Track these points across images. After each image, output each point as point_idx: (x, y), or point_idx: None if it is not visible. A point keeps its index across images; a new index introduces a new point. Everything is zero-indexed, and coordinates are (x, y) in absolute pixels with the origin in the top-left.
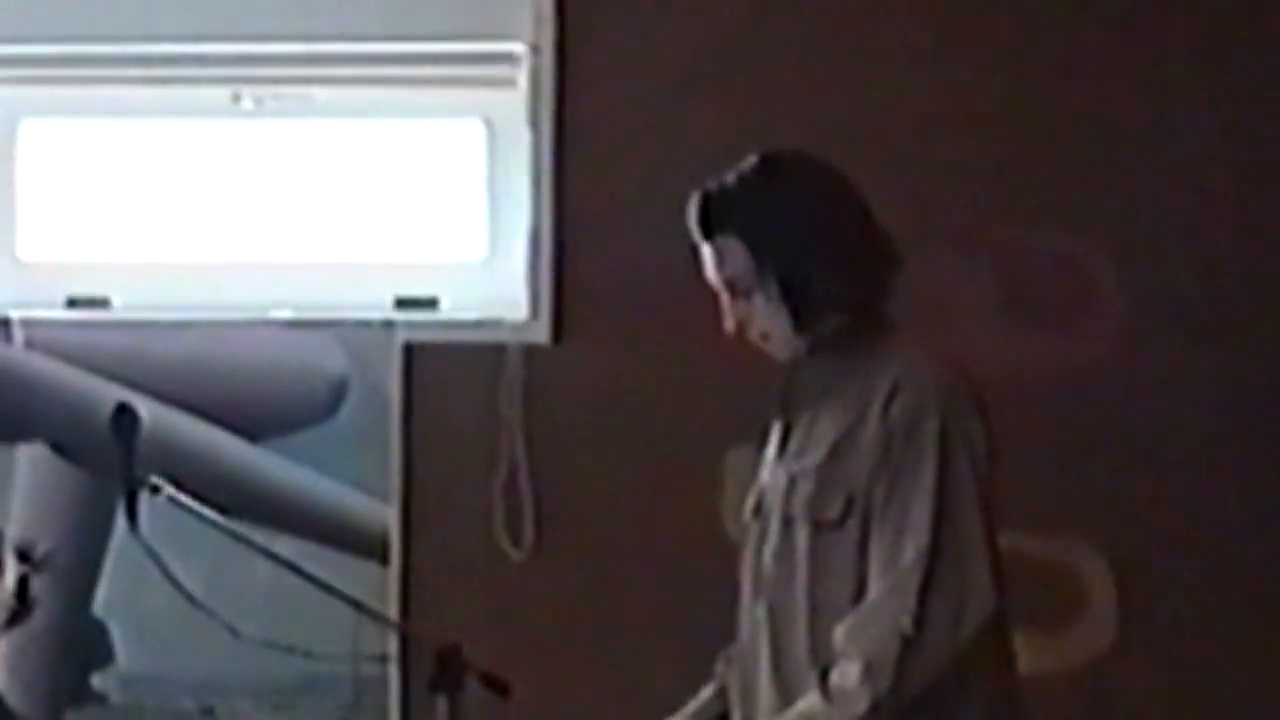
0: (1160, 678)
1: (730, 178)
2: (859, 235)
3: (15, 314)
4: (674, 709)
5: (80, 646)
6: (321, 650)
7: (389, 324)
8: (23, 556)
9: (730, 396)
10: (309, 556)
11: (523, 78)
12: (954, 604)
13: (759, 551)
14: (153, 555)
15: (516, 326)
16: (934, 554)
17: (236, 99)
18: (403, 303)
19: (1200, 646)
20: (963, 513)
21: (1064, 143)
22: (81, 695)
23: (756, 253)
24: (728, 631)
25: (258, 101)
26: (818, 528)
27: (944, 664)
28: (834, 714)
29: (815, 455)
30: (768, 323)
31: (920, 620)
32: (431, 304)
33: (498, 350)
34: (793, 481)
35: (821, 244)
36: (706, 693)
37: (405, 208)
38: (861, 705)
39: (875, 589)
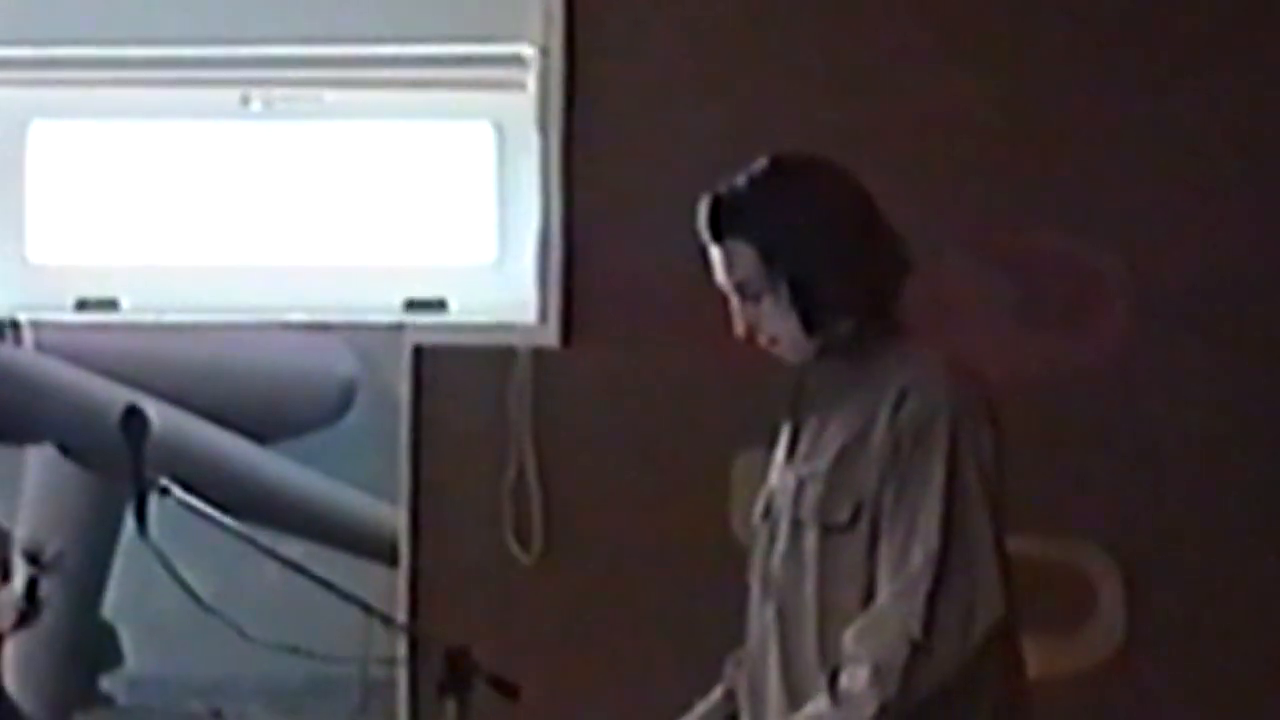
0: (1169, 680)
1: (740, 181)
2: (869, 238)
3: (24, 316)
4: (682, 711)
5: (89, 649)
6: (330, 653)
7: (398, 326)
8: (32, 559)
9: (739, 399)
10: (318, 559)
11: (532, 80)
12: (962, 609)
13: (768, 554)
14: (162, 558)
15: (525, 329)
16: (943, 558)
17: (245, 101)
18: (412, 305)
19: (1209, 648)
20: (971, 517)
21: (1070, 145)
22: (90, 697)
23: (766, 256)
24: (736, 634)
25: (267, 104)
26: (827, 531)
27: (952, 669)
28: (842, 717)
29: (824, 459)
30: (777, 326)
31: (929, 625)
32: (441, 306)
33: (507, 353)
34: (802, 485)
35: (831, 247)
36: (715, 695)
37: (414, 210)
38: (870, 709)
39: (884, 593)
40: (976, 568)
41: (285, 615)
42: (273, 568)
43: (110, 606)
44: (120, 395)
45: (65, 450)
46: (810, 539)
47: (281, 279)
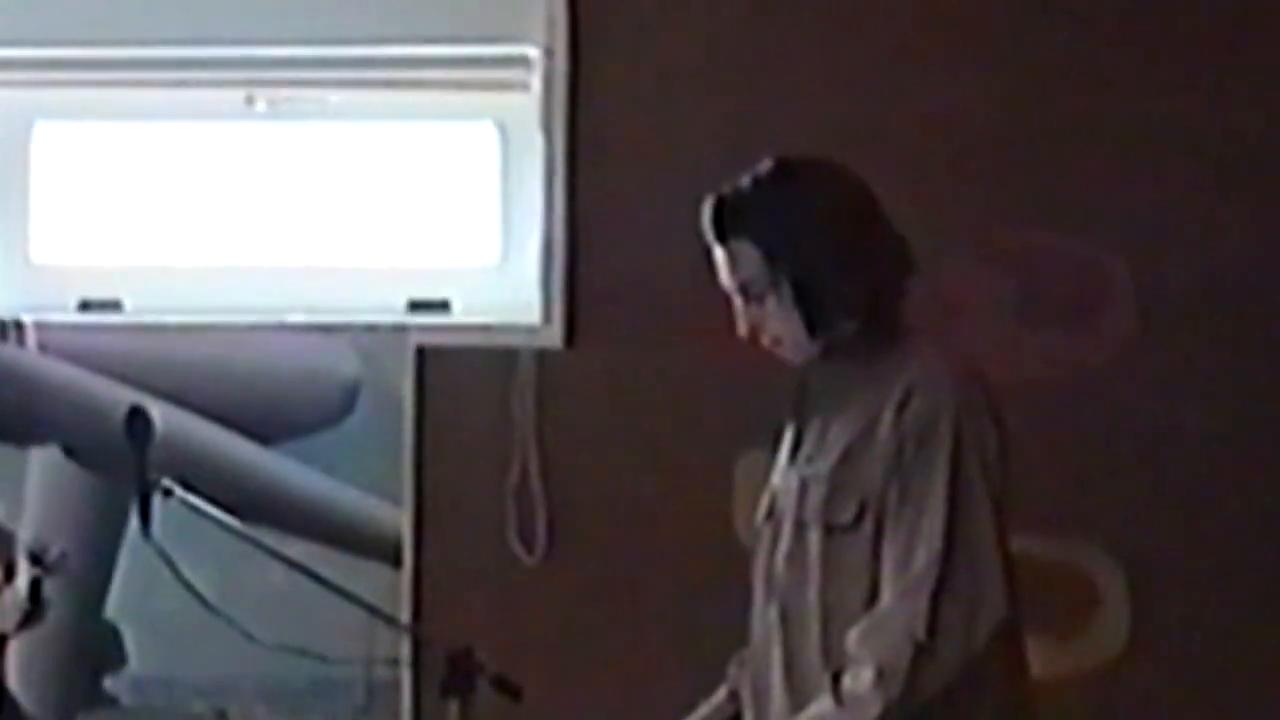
0: (1172, 681)
1: (745, 182)
2: (873, 239)
3: (28, 317)
4: (686, 712)
5: (92, 649)
6: (334, 653)
7: (401, 327)
8: (35, 559)
9: (742, 400)
10: (321, 560)
11: (536, 81)
12: (966, 610)
13: (771, 555)
14: (165, 558)
15: (529, 330)
16: (946, 559)
17: (250, 102)
18: (415, 306)
19: (1212, 650)
20: (975, 518)
21: (1072, 144)
22: (93, 698)
23: (770, 257)
24: (740, 635)
25: (271, 104)
26: (830, 532)
27: (956, 670)
28: (846, 718)
29: (828, 459)
30: (781, 327)
31: (933, 626)
32: (444, 307)
33: (510, 354)
34: (805, 485)
35: (835, 248)
36: (719, 696)
37: (418, 211)
38: (873, 710)
39: (888, 594)
40: (980, 568)
41: (289, 616)
42: (276, 568)
43: (114, 607)
44: (124, 396)
45: (69, 451)
46: (814, 540)
47: (285, 280)
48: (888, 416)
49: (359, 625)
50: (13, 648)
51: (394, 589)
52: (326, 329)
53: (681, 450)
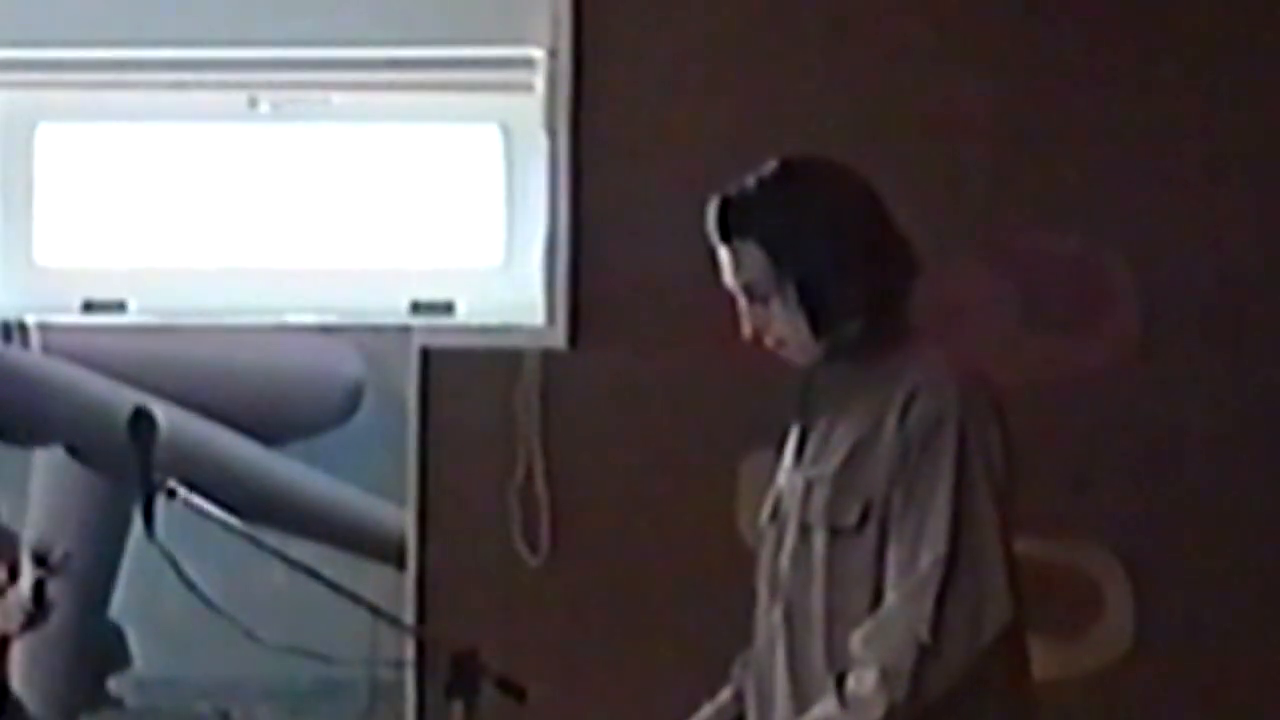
0: (1176, 682)
1: (750, 182)
2: (878, 241)
3: (32, 318)
4: (690, 713)
5: (96, 650)
6: (338, 654)
7: (405, 329)
8: (39, 560)
9: (746, 401)
10: (325, 561)
11: (540, 82)
12: (971, 612)
13: (775, 556)
14: (169, 559)
15: (533, 331)
16: (951, 561)
17: (253, 103)
18: (419, 307)
19: (1216, 651)
20: (980, 520)
21: (1076, 147)
22: (97, 699)
23: (775, 258)
24: (744, 636)
25: (274, 106)
26: (835, 534)
27: (961, 672)
28: None
29: (832, 461)
30: (785, 328)
31: (937, 628)
32: (448, 309)
33: (514, 355)
34: (810, 487)
35: (840, 249)
36: (723, 697)
37: (422, 212)
38: (877, 712)
39: (892, 596)
40: (985, 570)
41: (292, 617)
42: (280, 569)
43: (118, 608)
44: (128, 397)
45: (73, 452)
46: (818, 541)
47: (288, 281)
48: (892, 418)
49: (363, 626)
50: (17, 648)
51: (398, 590)
52: (330, 330)
53: (686, 451)
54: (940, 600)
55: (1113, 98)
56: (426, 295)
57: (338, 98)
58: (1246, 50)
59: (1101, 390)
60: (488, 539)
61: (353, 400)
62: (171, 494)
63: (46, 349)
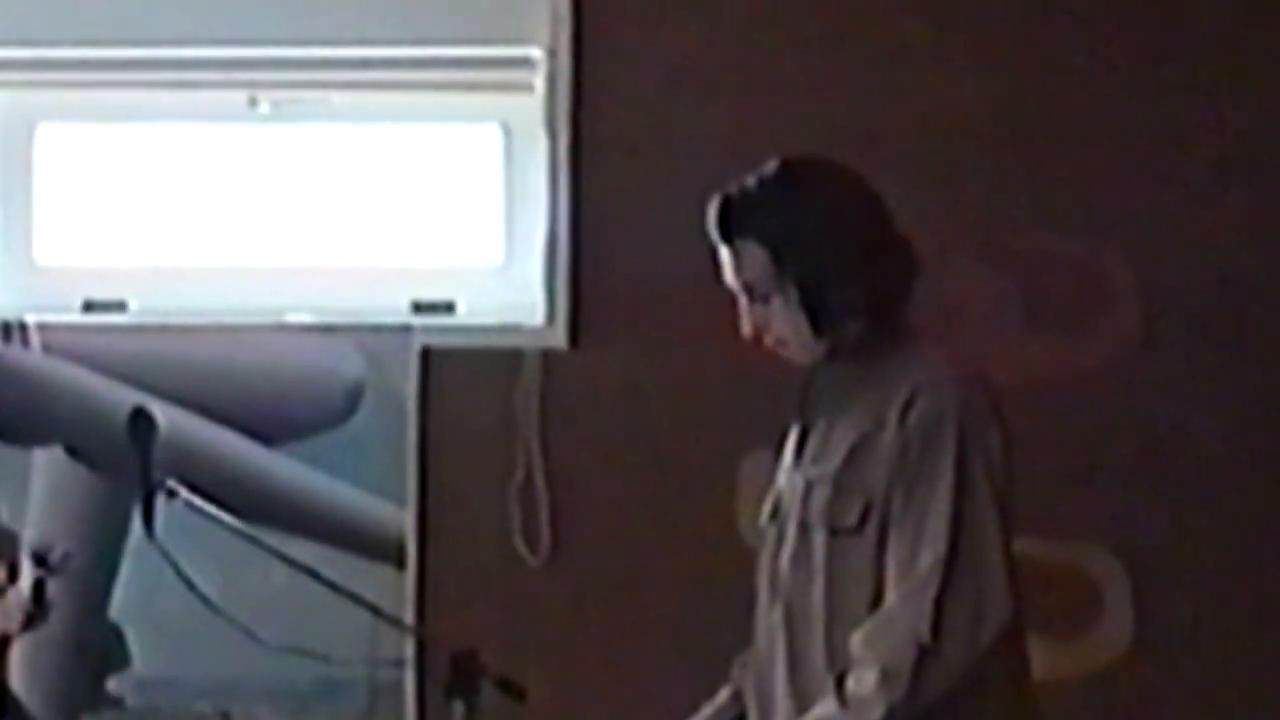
0: (1176, 682)
1: (751, 182)
2: (879, 241)
3: (32, 318)
4: (689, 713)
5: (96, 650)
6: (337, 655)
7: (406, 328)
8: (39, 560)
9: (747, 401)
10: (325, 561)
11: (539, 82)
12: (971, 612)
13: (776, 556)
14: (169, 559)
15: (533, 331)
16: (951, 561)
17: (253, 103)
18: (420, 307)
19: (1216, 651)
20: (980, 520)
21: (1076, 147)
22: (97, 699)
23: (776, 257)
24: (744, 636)
25: (274, 106)
26: (835, 534)
27: (960, 672)
28: None
29: (833, 461)
30: (786, 327)
31: (937, 628)
32: (448, 308)
33: (514, 355)
34: (810, 487)
35: (841, 249)
36: (722, 697)
37: (422, 212)
38: (877, 712)
39: (892, 596)
40: (985, 570)
41: (292, 617)
42: (279, 569)
43: (117, 608)
44: (127, 397)
45: (72, 451)
46: (818, 541)
47: (289, 281)
48: (892, 418)
49: (363, 626)
50: (16, 648)
51: (398, 590)
52: (330, 330)
53: (686, 451)
54: (940, 600)
55: (1113, 98)
56: (427, 295)
57: (338, 97)
58: (1247, 50)
59: (1101, 390)
60: (488, 539)
61: (353, 400)
62: (171, 494)
63: (46, 349)
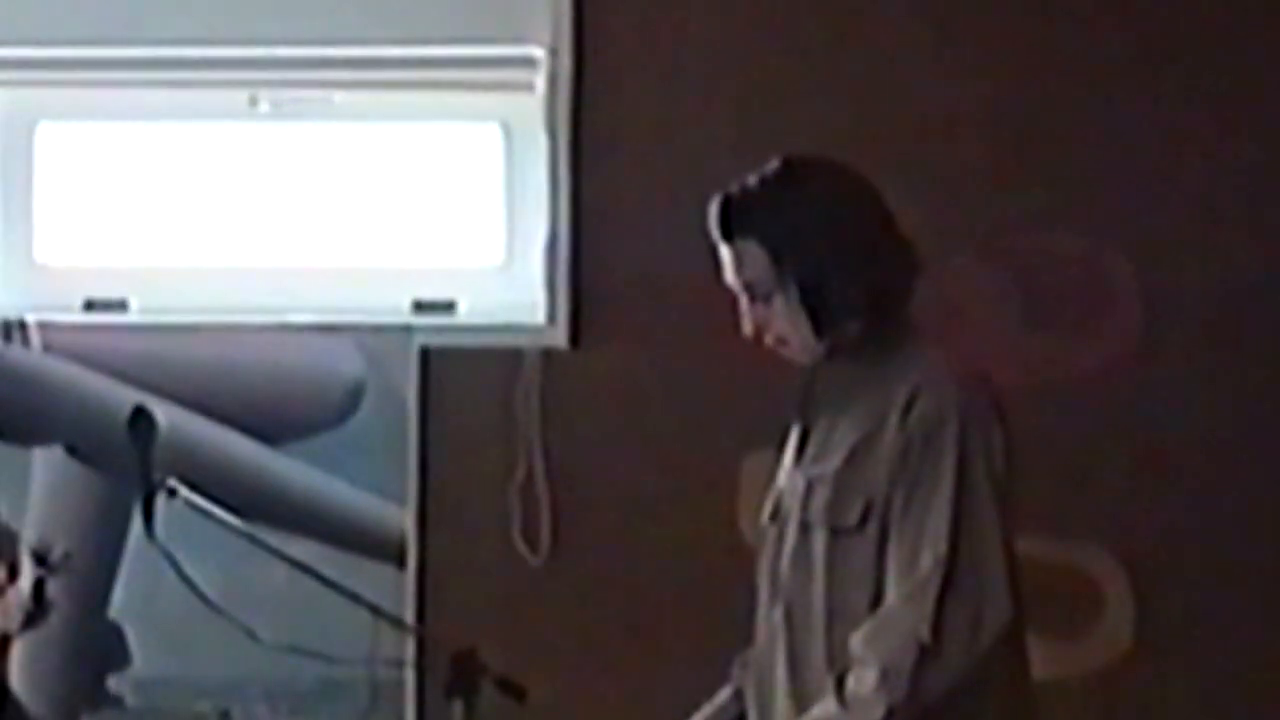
0: (1176, 682)
1: (752, 181)
2: (880, 240)
3: (32, 317)
4: (690, 712)
5: (96, 649)
6: (337, 654)
7: (406, 328)
8: (39, 559)
9: (747, 400)
10: (325, 560)
11: (540, 82)
12: (972, 612)
13: (776, 556)
14: (169, 558)
15: (534, 331)
16: (952, 561)
17: (254, 102)
18: (420, 307)
19: (1217, 651)
20: (981, 520)
21: (1077, 148)
22: (97, 698)
23: (777, 256)
24: (744, 636)
25: (275, 105)
26: (835, 533)
27: (961, 672)
28: None
29: (833, 460)
30: (787, 327)
31: (938, 628)
32: (449, 308)
33: (515, 354)
34: (810, 486)
35: (842, 249)
36: (723, 696)
37: (423, 212)
38: (878, 712)
39: (893, 596)
40: (986, 570)
41: (292, 616)
42: (280, 568)
43: (117, 607)
44: (128, 396)
45: (73, 451)
46: (819, 541)
47: (289, 280)
48: (893, 418)
49: (363, 626)
50: (16, 647)
51: (398, 589)
52: (331, 329)
53: (686, 450)
54: (941, 600)
55: (1113, 98)
56: (427, 294)
57: (338, 96)
58: (1247, 50)
59: (1102, 390)
60: (488, 538)
61: (353, 399)
62: (172, 493)
63: (47, 348)
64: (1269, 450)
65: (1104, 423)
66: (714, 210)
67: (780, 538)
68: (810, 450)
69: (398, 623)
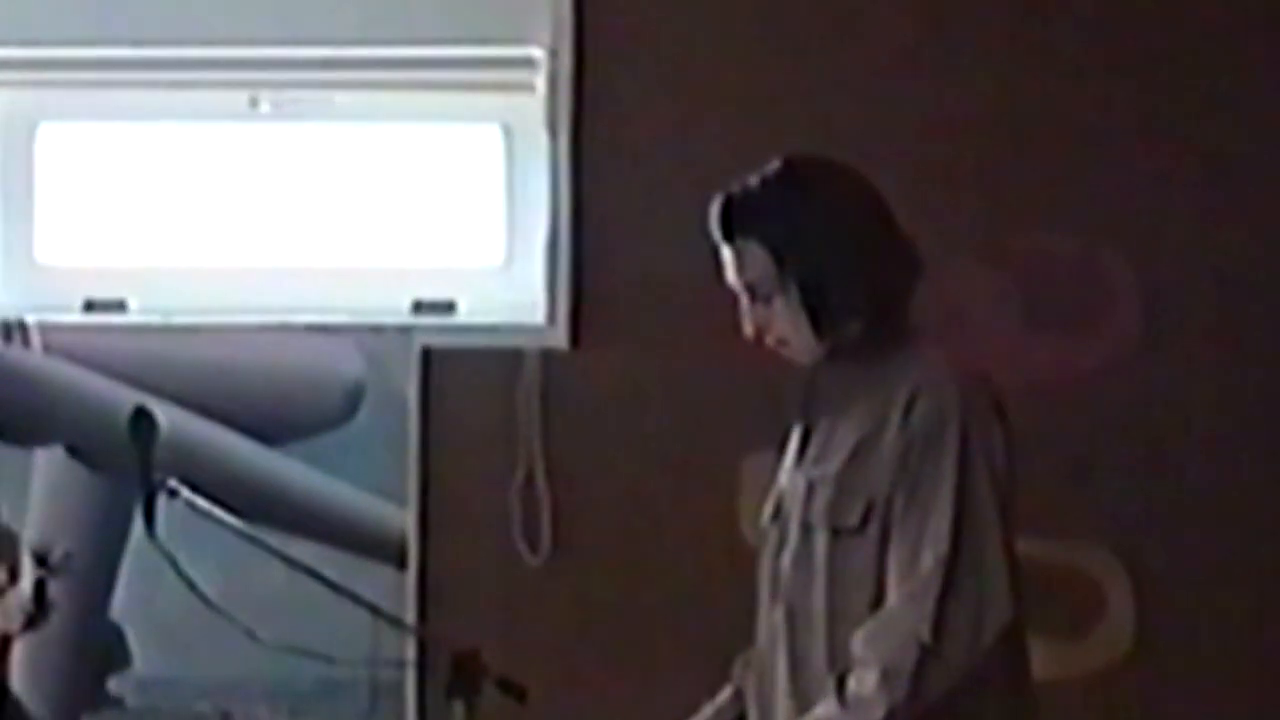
0: (1177, 684)
1: (753, 181)
2: (881, 241)
3: (32, 317)
4: (691, 713)
5: (97, 650)
6: (338, 654)
7: (407, 329)
8: (40, 560)
9: (748, 401)
10: (326, 561)
11: (541, 82)
12: (973, 613)
13: (777, 557)
14: (170, 559)
15: (534, 331)
16: (953, 562)
17: (254, 103)
18: (420, 307)
19: (1217, 652)
20: (982, 521)
21: (1077, 147)
22: (98, 699)
23: (778, 257)
24: (745, 636)
25: (275, 105)
26: (836, 534)
27: (962, 673)
28: None
29: (835, 461)
30: (787, 327)
31: (938, 629)
32: (449, 308)
33: (515, 355)
34: (812, 487)
35: (843, 249)
36: (723, 696)
37: (423, 212)
38: (878, 713)
39: (894, 596)
40: (987, 571)
41: (293, 617)
42: (280, 569)
43: (118, 608)
44: (128, 397)
45: (73, 451)
46: (820, 542)
47: (289, 280)
48: (894, 419)
49: (363, 626)
50: (17, 648)
51: (399, 590)
52: (331, 330)
53: (687, 451)
54: (942, 601)
55: (1113, 98)
56: (427, 295)
57: (339, 97)
58: (1246, 49)
59: (1103, 391)
60: (488, 539)
61: (353, 400)
62: (172, 494)
63: (47, 349)
64: (1269, 450)
65: (1105, 423)
66: (715, 210)
67: (781, 539)
68: (811, 451)
69: (398, 623)
